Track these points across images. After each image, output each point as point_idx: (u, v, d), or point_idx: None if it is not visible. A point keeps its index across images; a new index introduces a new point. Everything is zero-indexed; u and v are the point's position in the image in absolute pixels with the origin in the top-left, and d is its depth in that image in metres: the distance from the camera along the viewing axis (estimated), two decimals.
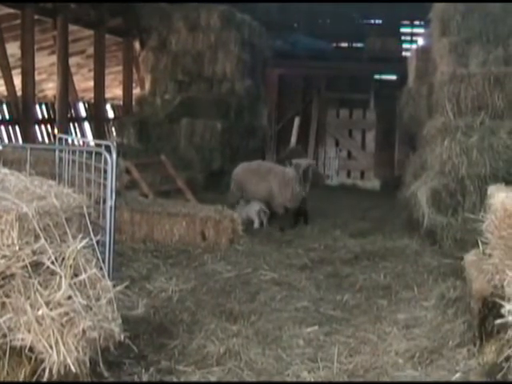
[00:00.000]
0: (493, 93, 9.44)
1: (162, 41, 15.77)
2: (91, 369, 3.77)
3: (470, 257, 5.80)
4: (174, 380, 4.61)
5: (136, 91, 17.52)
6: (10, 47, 13.39)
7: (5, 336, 3.55)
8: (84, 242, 3.93)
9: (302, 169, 10.25)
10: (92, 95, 16.29)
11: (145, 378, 4.56)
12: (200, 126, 14.49)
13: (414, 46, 17.97)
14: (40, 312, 3.56)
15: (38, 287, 3.65)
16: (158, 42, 15.83)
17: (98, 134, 16.08)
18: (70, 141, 8.63)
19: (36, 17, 13.08)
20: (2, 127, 13.72)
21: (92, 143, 9.62)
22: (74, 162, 6.43)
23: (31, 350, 3.57)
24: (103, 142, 6.60)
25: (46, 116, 15.71)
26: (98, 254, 4.34)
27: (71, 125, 16.24)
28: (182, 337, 5.35)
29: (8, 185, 4.11)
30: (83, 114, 17.45)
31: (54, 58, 14.25)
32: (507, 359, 4.11)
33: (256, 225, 10.28)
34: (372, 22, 21.35)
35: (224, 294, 6.74)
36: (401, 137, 18.31)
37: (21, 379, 3.60)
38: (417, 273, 7.70)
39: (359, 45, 20.85)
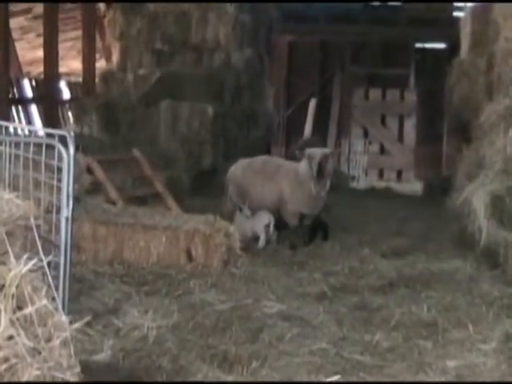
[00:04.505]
0: None
1: None
2: None
3: None
4: None
5: (100, 64, 17.55)
6: None
7: None
8: (31, 264, 3.93)
9: (318, 160, 10.05)
10: (41, 69, 16.32)
11: None
12: (185, 110, 14.53)
13: (468, 4, 18.02)
14: None
15: None
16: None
17: (50, 120, 16.10)
18: (11, 129, 8.64)
19: None
20: None
21: (41, 132, 9.63)
22: (17, 157, 6.43)
23: None
24: (56, 132, 6.59)
25: None
26: (50, 280, 4.33)
27: (13, 108, 16.27)
28: None
29: None
30: (29, 94, 17.49)
31: None
32: None
33: (261, 243, 10.18)
34: None
35: (216, 332, 6.73)
36: (450, 125, 18.36)
37: None
38: (472, 305, 7.69)
39: (396, 3, 20.92)
